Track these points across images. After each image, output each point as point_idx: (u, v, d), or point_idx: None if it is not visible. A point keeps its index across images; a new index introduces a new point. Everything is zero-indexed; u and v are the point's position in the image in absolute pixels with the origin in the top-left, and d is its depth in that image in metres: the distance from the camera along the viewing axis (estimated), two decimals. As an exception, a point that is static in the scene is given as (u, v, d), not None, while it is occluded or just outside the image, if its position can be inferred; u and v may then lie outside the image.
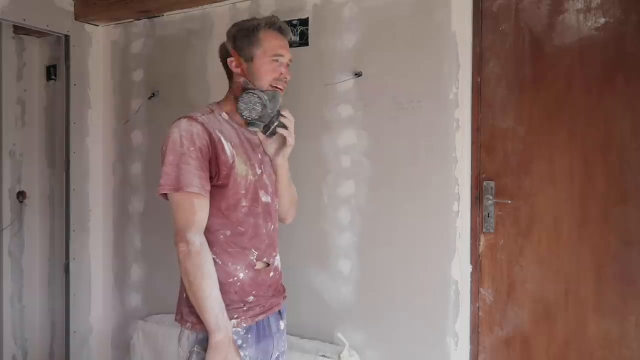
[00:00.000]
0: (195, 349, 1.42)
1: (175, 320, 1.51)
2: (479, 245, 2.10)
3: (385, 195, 2.21)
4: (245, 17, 2.13)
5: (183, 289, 1.46)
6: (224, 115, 1.52)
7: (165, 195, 1.42)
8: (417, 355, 2.15)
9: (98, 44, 3.04)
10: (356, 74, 2.26)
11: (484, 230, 2.09)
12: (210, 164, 1.41)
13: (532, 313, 2.01)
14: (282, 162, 1.62)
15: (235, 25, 1.55)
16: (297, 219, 2.41)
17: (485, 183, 2.08)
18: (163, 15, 2.81)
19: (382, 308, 2.22)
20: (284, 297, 1.64)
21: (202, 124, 1.42)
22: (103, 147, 3.08)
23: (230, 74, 1.58)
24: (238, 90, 1.53)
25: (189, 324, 1.44)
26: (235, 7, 2.57)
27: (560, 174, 1.96)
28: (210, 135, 1.42)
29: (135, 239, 2.97)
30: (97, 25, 3.03)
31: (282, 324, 1.61)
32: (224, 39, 1.58)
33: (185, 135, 1.39)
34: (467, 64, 2.07)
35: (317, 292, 2.36)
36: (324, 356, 2.16)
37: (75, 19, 2.90)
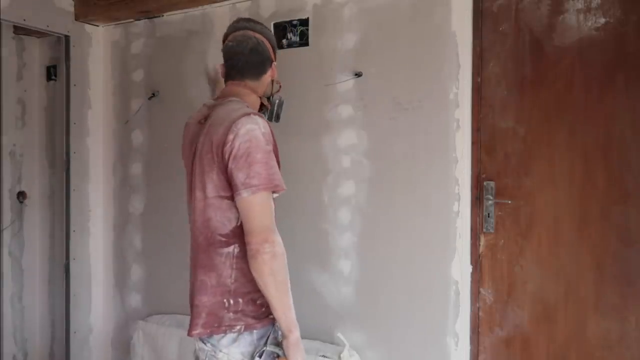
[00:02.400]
0: (268, 348, 1.41)
1: (208, 332, 1.41)
2: (479, 245, 2.10)
3: (385, 195, 2.21)
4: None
5: (227, 294, 1.41)
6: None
7: (224, 196, 1.39)
8: (417, 355, 2.15)
9: (98, 44, 3.05)
10: (356, 74, 2.26)
11: (484, 230, 2.09)
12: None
13: (532, 313, 2.01)
14: None
15: (269, 30, 1.62)
16: (298, 219, 2.42)
17: (485, 183, 2.08)
18: (163, 15, 2.81)
19: (382, 308, 2.22)
20: None
21: (267, 122, 1.45)
22: (103, 147, 3.08)
23: (260, 73, 1.57)
24: (263, 93, 1.60)
25: (238, 327, 1.40)
26: (235, 7, 2.57)
27: (560, 174, 1.96)
28: (273, 133, 1.45)
29: (135, 239, 2.97)
30: (97, 25, 3.03)
31: None
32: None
33: (266, 133, 1.39)
34: (467, 64, 2.07)
35: (317, 292, 2.36)
36: (324, 356, 2.16)
37: (75, 19, 2.90)
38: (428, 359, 2.13)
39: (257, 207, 1.34)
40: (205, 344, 1.43)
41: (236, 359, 1.39)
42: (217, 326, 1.40)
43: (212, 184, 1.40)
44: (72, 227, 2.93)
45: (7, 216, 3.11)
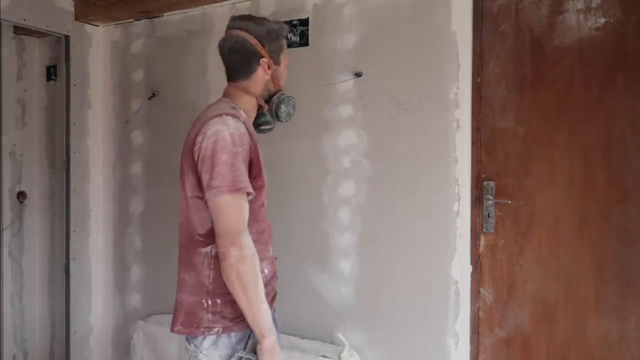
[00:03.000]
0: (240, 354, 1.39)
1: (187, 332, 1.42)
2: (479, 245, 2.10)
3: (385, 195, 2.21)
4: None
5: (205, 294, 1.41)
6: (243, 113, 1.48)
7: (199, 197, 1.38)
8: (417, 355, 2.15)
9: (98, 44, 3.04)
10: (356, 74, 2.26)
11: (484, 230, 2.09)
12: (250, 165, 1.39)
13: (532, 313, 2.01)
14: None
15: (260, 23, 1.52)
16: (297, 219, 2.42)
17: (485, 183, 2.08)
18: (163, 15, 2.81)
19: (382, 308, 2.22)
20: None
21: (244, 124, 1.41)
22: (103, 147, 3.08)
23: (250, 71, 1.52)
24: (261, 92, 1.54)
25: (216, 329, 1.39)
26: (235, 7, 2.57)
27: (560, 174, 1.96)
28: (250, 135, 1.41)
29: (135, 239, 2.97)
30: (97, 25, 3.03)
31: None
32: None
33: (236, 134, 1.36)
34: (467, 64, 2.07)
35: (317, 292, 2.36)
36: (324, 356, 2.16)
37: (75, 19, 2.90)
38: (428, 359, 2.13)
39: (224, 209, 1.33)
40: (189, 344, 1.44)
41: None
42: (196, 327, 1.40)
43: (189, 184, 1.42)
44: (72, 227, 2.93)
45: (7, 216, 3.11)
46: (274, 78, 1.55)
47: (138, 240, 2.95)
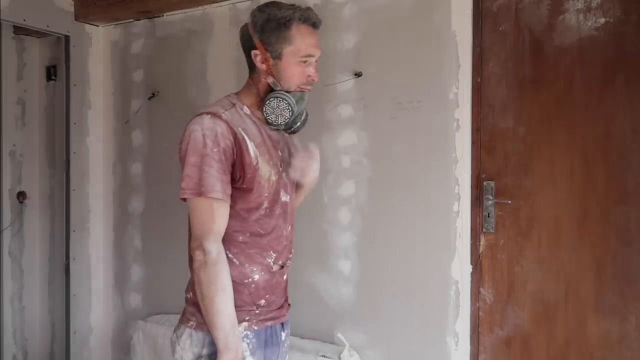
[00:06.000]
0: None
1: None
2: (479, 245, 2.10)
3: (385, 195, 2.21)
4: (245, 18, 2.10)
5: (188, 288, 1.40)
6: (245, 109, 1.39)
7: (184, 198, 1.33)
8: (417, 355, 2.15)
9: (98, 44, 3.04)
10: (356, 74, 2.26)
11: (484, 230, 2.09)
12: (233, 167, 1.31)
13: (532, 313, 2.01)
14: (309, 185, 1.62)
15: (262, 11, 1.36)
16: (297, 219, 2.41)
17: (485, 183, 2.08)
18: (163, 15, 2.81)
19: (382, 308, 2.22)
20: (289, 306, 1.57)
21: (227, 122, 1.30)
22: (103, 147, 3.08)
23: (251, 64, 1.41)
24: (262, 88, 1.40)
25: (191, 322, 1.36)
26: (235, 7, 2.56)
27: (560, 174, 1.96)
28: (234, 134, 1.31)
29: (135, 239, 2.97)
30: (97, 25, 3.03)
31: (284, 335, 1.54)
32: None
33: (209, 135, 1.28)
34: (467, 64, 2.07)
35: (317, 292, 2.36)
36: (324, 356, 2.16)
37: (75, 19, 2.90)
38: (428, 359, 2.13)
39: (192, 212, 1.30)
40: (174, 332, 1.41)
41: (188, 357, 1.35)
42: (181, 316, 1.40)
43: None
44: (72, 227, 2.93)
45: (7, 216, 3.11)
46: (272, 74, 1.37)
47: (138, 240, 2.95)
